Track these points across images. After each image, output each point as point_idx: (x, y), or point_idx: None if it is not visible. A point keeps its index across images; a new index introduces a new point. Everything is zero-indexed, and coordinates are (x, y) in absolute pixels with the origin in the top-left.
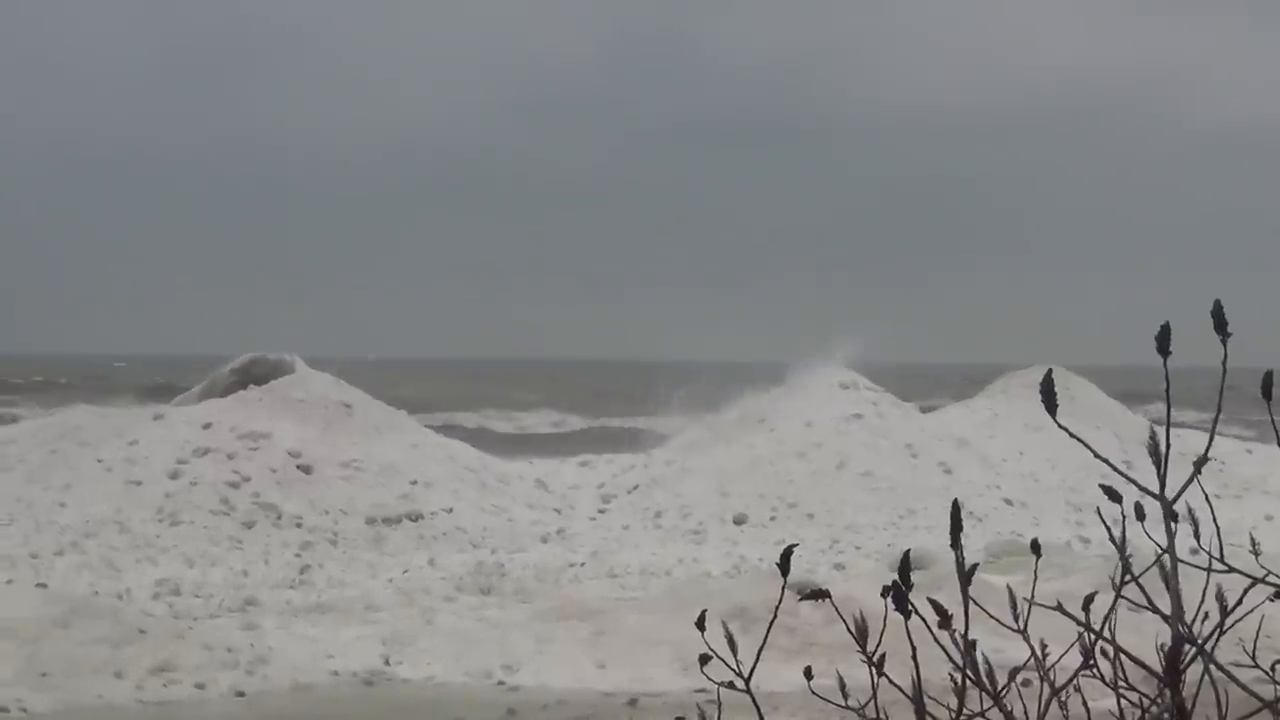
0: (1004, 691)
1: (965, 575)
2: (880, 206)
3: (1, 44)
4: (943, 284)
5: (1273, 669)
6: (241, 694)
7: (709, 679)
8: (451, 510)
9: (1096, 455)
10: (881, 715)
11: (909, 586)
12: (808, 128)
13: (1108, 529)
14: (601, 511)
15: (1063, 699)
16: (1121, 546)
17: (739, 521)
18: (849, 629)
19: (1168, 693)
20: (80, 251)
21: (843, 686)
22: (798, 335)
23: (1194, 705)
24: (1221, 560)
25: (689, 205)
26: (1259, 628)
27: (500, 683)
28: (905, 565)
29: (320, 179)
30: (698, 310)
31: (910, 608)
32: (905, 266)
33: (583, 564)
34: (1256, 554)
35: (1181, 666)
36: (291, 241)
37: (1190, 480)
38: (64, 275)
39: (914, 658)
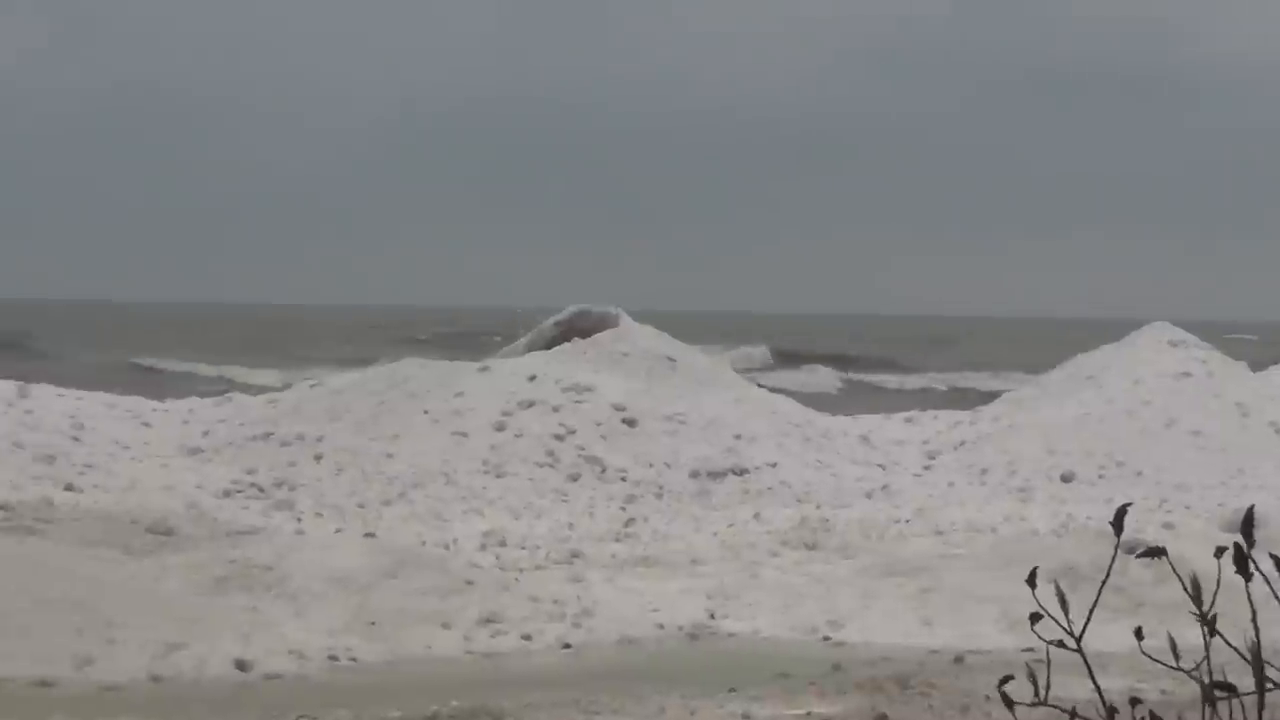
0: None
1: None
2: (1226, 160)
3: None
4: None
5: None
6: (568, 646)
7: (1039, 637)
8: (776, 465)
9: None
10: (1216, 677)
11: (1252, 544)
12: (1154, 78)
13: None
14: (927, 468)
15: None
16: None
17: (1066, 479)
18: (1184, 588)
19: None
20: (411, 209)
21: (1174, 647)
22: (1135, 291)
23: None
24: None
25: (1035, 155)
26: None
27: (825, 638)
28: (1249, 522)
29: (654, 133)
30: (1037, 263)
31: (1252, 568)
32: (1244, 221)
33: (908, 520)
34: None
35: None
36: (617, 195)
37: None
38: (398, 233)
39: (1254, 620)
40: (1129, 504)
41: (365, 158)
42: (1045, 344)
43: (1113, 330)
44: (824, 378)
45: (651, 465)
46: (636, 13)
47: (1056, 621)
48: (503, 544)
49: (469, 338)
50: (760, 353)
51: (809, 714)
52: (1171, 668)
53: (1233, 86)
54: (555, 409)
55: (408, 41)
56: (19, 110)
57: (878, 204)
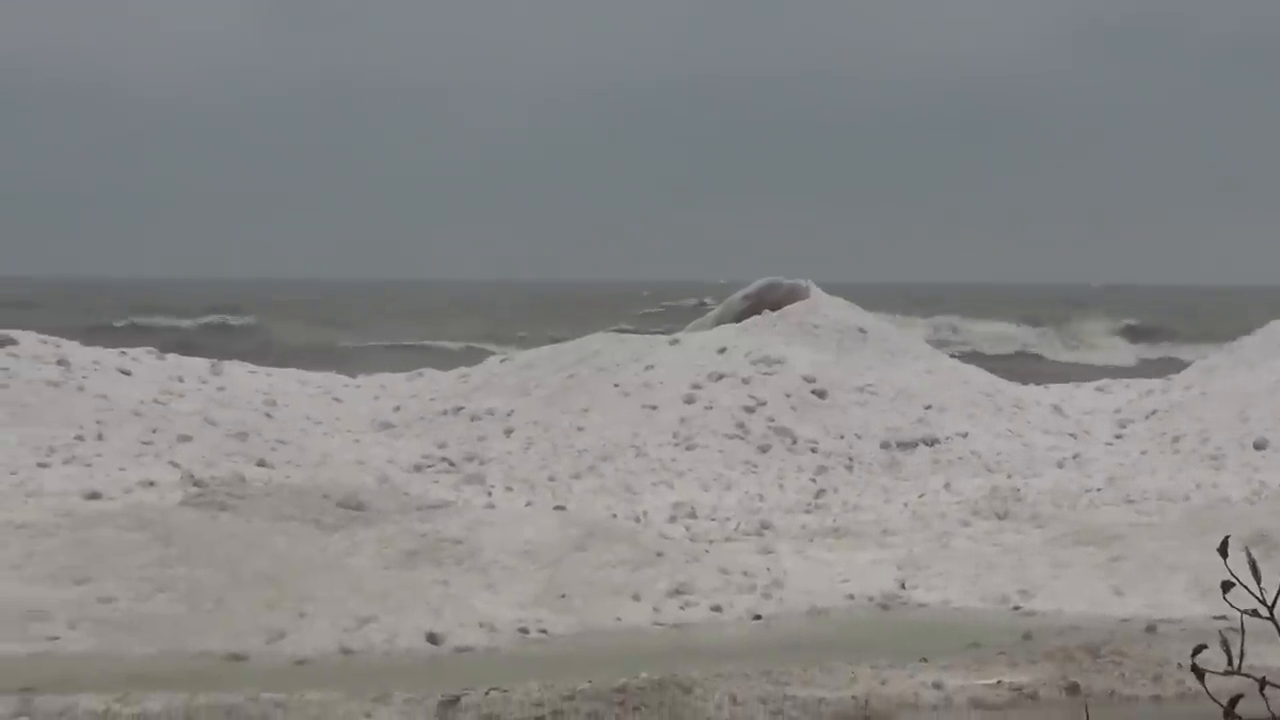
0: None
1: None
2: None
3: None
4: None
5: None
6: (758, 617)
7: (1231, 605)
8: (966, 435)
9: None
10: None
11: None
12: None
13: None
14: (1118, 437)
15: None
16: None
17: (1259, 446)
18: None
19: None
20: (604, 186)
21: None
22: None
23: None
24: None
25: (1246, 130)
26: None
27: (1016, 607)
28: None
29: (842, 109)
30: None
31: None
32: None
33: (1099, 489)
34: None
35: None
36: (805, 170)
37: None
38: (592, 209)
39: None
40: None
41: (565, 138)
42: (1242, 313)
43: None
44: (1122, 351)
45: (842, 436)
46: None
47: (1249, 589)
48: (693, 516)
49: (682, 308)
50: (1012, 327)
51: (1000, 683)
52: None
53: None
54: (745, 381)
55: (607, 23)
56: (240, 101)
57: (1083, 181)
